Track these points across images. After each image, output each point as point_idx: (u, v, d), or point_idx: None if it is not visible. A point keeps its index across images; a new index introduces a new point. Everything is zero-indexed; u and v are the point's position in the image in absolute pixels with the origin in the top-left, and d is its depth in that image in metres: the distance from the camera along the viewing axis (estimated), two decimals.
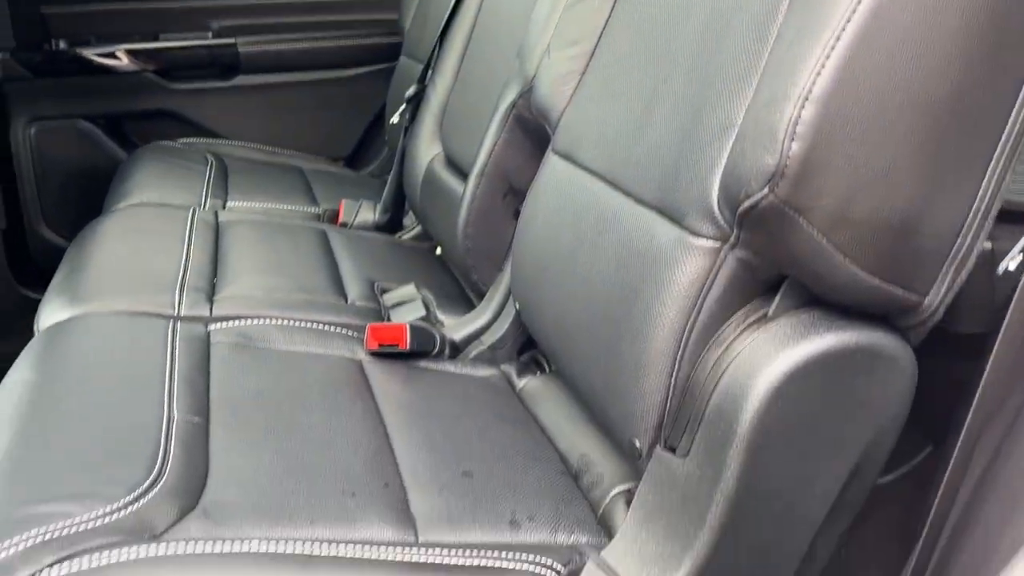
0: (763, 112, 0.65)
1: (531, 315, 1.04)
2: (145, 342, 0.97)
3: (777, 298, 0.71)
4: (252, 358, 0.99)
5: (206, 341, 1.01)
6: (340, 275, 1.31)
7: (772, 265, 0.70)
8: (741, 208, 0.66)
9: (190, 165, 1.78)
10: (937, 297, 0.69)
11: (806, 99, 0.61)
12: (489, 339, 1.15)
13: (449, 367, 1.09)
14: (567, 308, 0.93)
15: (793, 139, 0.61)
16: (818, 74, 0.61)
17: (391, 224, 1.64)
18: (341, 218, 1.61)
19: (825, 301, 0.70)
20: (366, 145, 2.23)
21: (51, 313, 1.07)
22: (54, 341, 0.97)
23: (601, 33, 1.02)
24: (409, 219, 1.66)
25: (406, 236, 1.62)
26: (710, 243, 0.72)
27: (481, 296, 1.24)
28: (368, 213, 1.63)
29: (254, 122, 2.15)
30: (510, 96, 1.19)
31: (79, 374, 0.89)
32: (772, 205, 0.64)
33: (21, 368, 0.92)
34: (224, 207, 1.59)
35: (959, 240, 0.68)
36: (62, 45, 2.04)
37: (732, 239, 0.71)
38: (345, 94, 2.20)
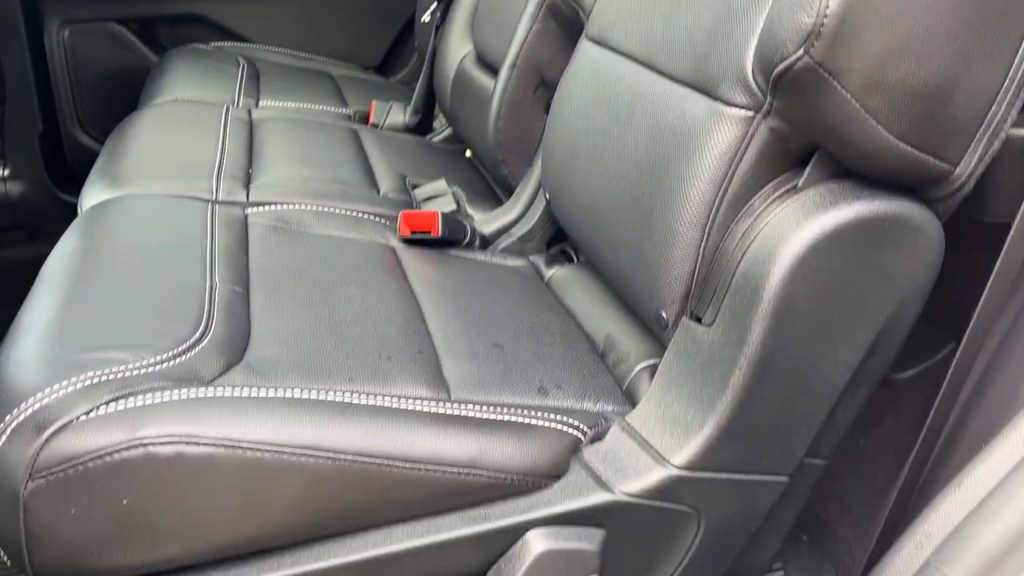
0: None
1: (561, 203, 1.05)
2: (186, 221, 1.00)
3: (808, 169, 0.72)
4: (290, 239, 1.01)
5: (244, 223, 1.03)
6: (372, 169, 1.32)
7: (804, 134, 0.71)
8: (776, 71, 0.67)
9: (222, 67, 1.79)
10: (968, 168, 0.70)
11: None
12: (519, 231, 1.17)
13: (480, 256, 1.11)
14: (598, 189, 0.94)
15: None
16: None
17: (421, 126, 1.65)
18: (372, 119, 1.62)
19: (855, 172, 0.71)
20: (396, 52, 2.22)
21: (93, 195, 1.09)
22: (98, 218, 1.00)
23: None
24: (439, 122, 1.67)
25: (436, 138, 1.63)
26: (743, 112, 0.73)
27: (510, 195, 1.26)
28: (398, 114, 1.63)
29: (284, 28, 2.14)
30: None
31: (124, 245, 0.92)
32: (807, 67, 0.64)
33: (67, 241, 0.95)
34: (257, 105, 1.60)
35: (993, 109, 0.68)
36: None
37: (765, 107, 0.71)
38: (375, 1, 2.18)
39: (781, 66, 0.66)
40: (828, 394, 0.75)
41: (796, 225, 0.69)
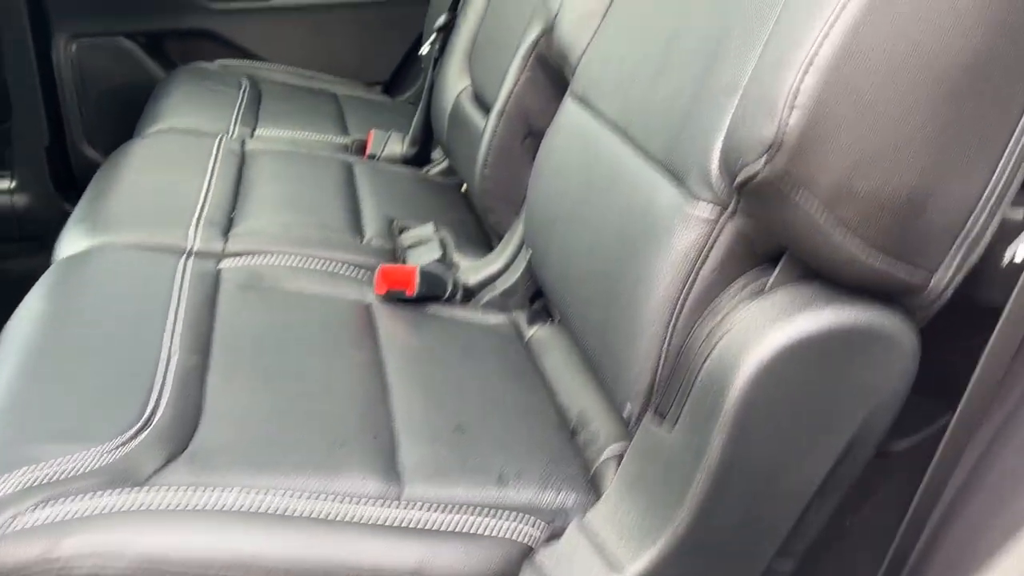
0: (765, 77, 0.61)
1: (539, 262, 1.02)
2: (155, 278, 0.98)
3: (776, 270, 0.68)
4: (260, 298, 0.99)
5: (216, 279, 1.01)
6: (360, 211, 1.30)
7: (771, 238, 0.67)
8: (738, 178, 0.63)
9: (224, 89, 1.77)
10: (946, 277, 0.66)
11: (809, 65, 0.57)
12: (502, 285, 1.13)
13: (459, 313, 1.08)
14: (572, 259, 0.91)
15: (793, 108, 0.57)
16: (824, 37, 0.57)
17: (419, 157, 1.62)
18: (369, 149, 1.60)
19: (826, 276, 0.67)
20: (404, 70, 2.19)
21: (70, 242, 1.08)
22: (67, 273, 0.99)
23: None
24: (438, 153, 1.64)
25: (433, 170, 1.60)
26: (709, 209, 0.69)
27: (500, 239, 1.23)
28: (396, 145, 1.61)
29: (293, 45, 2.12)
30: (533, 33, 1.14)
31: (87, 309, 0.91)
32: (769, 177, 0.60)
33: (34, 298, 0.94)
34: (252, 135, 1.58)
35: (972, 217, 0.64)
36: None
37: (731, 208, 0.67)
38: (384, 17, 2.15)
39: (743, 173, 0.62)
40: (793, 505, 0.71)
41: (762, 330, 0.66)
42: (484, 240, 1.31)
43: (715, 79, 0.72)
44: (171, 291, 0.95)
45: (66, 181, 2.13)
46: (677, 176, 0.74)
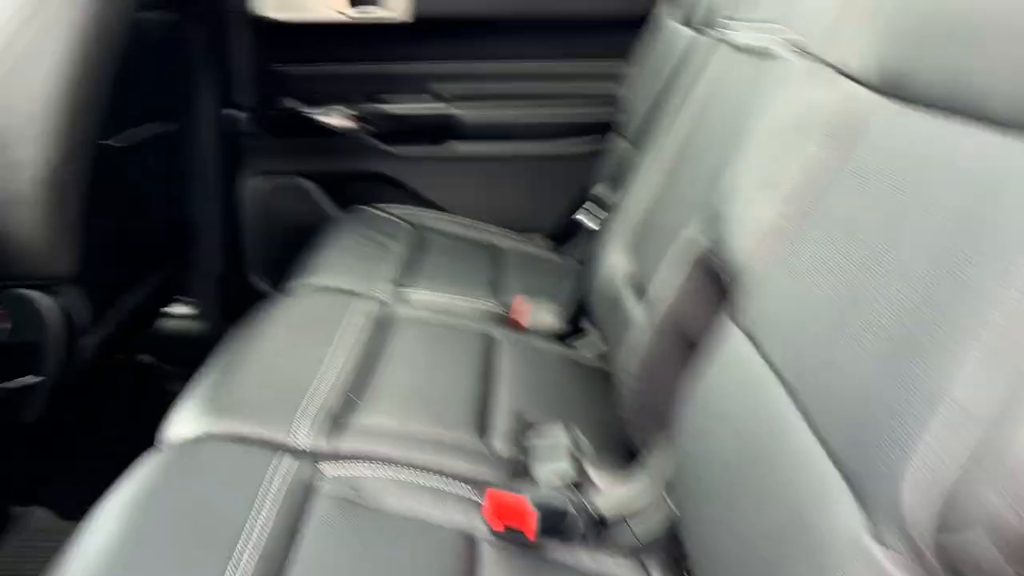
0: (998, 424, 0.42)
1: (681, 511, 0.84)
2: (245, 485, 0.89)
3: None
4: (351, 524, 0.87)
5: (309, 487, 0.90)
6: (490, 402, 1.17)
7: None
8: (939, 542, 0.44)
9: (384, 240, 1.74)
10: None
11: None
12: (638, 525, 0.95)
13: (584, 559, 0.91)
14: (715, 523, 0.72)
15: None
16: None
17: (570, 332, 1.48)
18: (517, 318, 1.48)
19: None
20: (575, 223, 2.10)
21: (178, 424, 1.02)
22: (162, 470, 0.92)
23: (818, 191, 0.79)
24: (593, 332, 1.50)
25: (583, 346, 1.45)
26: (900, 566, 0.49)
27: (642, 447, 1.05)
28: (546, 315, 1.48)
29: (465, 191, 2.09)
30: (696, 229, 0.99)
31: (164, 526, 0.82)
32: (990, 562, 0.41)
33: (125, 493, 0.87)
34: (401, 295, 1.51)
35: None
36: (294, 105, 2.10)
37: (923, 565, 0.48)
38: (560, 168, 2.08)
39: (950, 540, 0.42)
40: None
41: None
42: (626, 448, 1.14)
43: (909, 371, 0.53)
44: (254, 507, 0.85)
45: (236, 311, 2.18)
46: (858, 491, 0.55)
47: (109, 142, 1.52)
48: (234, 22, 1.96)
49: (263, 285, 2.15)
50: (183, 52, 1.79)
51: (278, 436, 0.99)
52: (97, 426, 1.85)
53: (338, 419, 1.05)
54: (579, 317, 1.49)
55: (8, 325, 1.31)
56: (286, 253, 2.09)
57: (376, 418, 1.07)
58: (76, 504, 1.63)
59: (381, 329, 1.32)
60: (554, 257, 1.92)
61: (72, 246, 1.43)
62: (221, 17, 1.94)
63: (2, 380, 1.35)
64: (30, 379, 1.37)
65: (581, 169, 2.05)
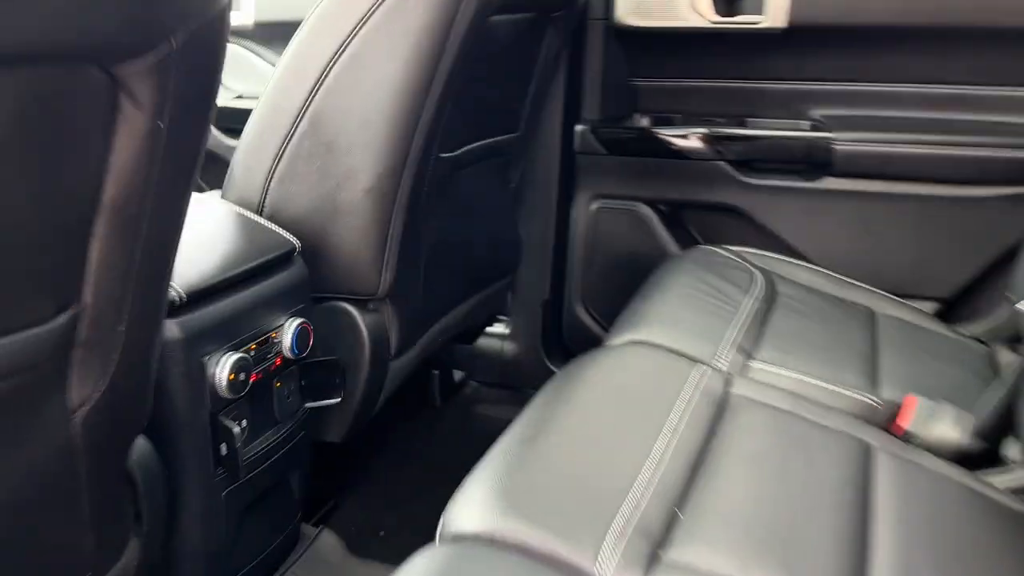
0: None
1: None
2: None
3: None
4: None
5: None
6: (865, 552, 0.84)
7: None
8: None
9: (729, 290, 1.44)
10: None
11: None
12: None
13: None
14: None
15: None
16: None
17: (984, 455, 1.08)
18: (906, 424, 1.11)
19: None
20: (975, 293, 1.64)
21: (462, 510, 0.82)
22: None
23: None
24: (1017, 453, 1.08)
25: (1007, 482, 1.05)
26: None
27: None
28: (949, 427, 1.09)
29: (837, 238, 1.72)
30: None
31: None
32: None
33: None
34: (746, 367, 1.21)
35: None
36: (644, 122, 1.88)
37: None
38: (967, 217, 1.63)
39: None
40: None
41: None
42: None
43: None
44: None
45: (554, 339, 2.02)
46: None
47: (443, 155, 1.40)
48: (592, 30, 1.79)
49: (585, 316, 1.97)
50: (532, 60, 1.63)
51: (578, 561, 0.75)
52: (389, 442, 1.78)
53: (658, 546, 0.79)
54: (1001, 436, 1.08)
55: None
56: (614, 286, 1.89)
57: (705, 555, 0.79)
58: (365, 529, 1.57)
59: (719, 412, 1.04)
60: (953, 335, 1.49)
61: (392, 262, 1.32)
62: (581, 24, 1.77)
63: (311, 399, 1.27)
64: (337, 400, 1.28)
65: (997, 221, 1.59)
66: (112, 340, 0.80)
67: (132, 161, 0.71)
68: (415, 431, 1.86)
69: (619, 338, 1.26)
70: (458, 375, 2.07)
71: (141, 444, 0.96)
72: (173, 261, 0.84)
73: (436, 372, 1.96)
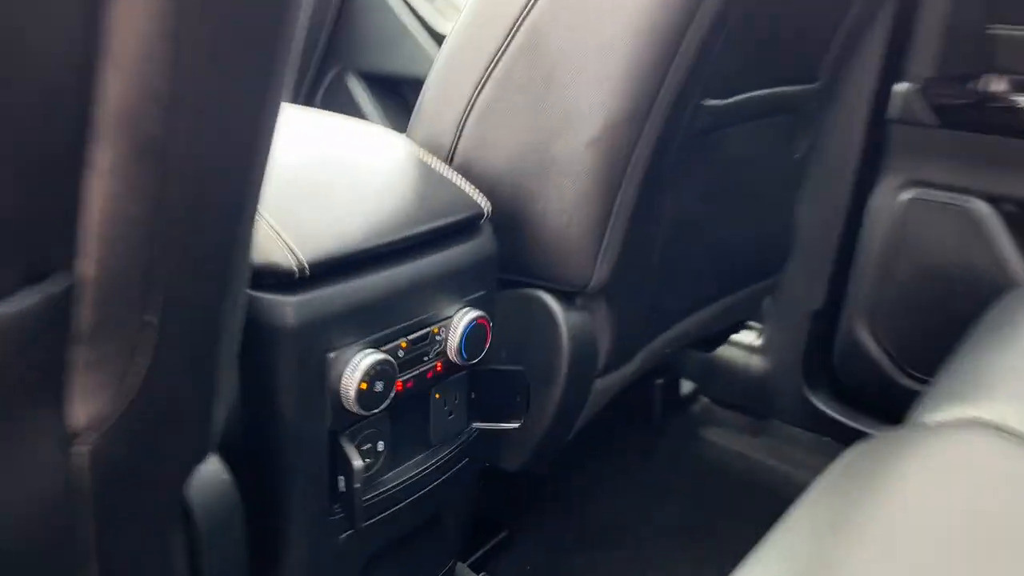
0: None
1: None
2: None
3: None
4: None
5: None
6: None
7: None
8: None
9: None
10: None
11: None
12: None
13: None
14: None
15: None
16: None
17: None
18: None
19: None
20: None
21: None
22: None
23: None
24: None
25: None
26: None
27: None
28: None
29: None
30: None
31: None
32: None
33: None
34: None
35: None
36: (1000, 86, 1.34)
37: None
38: None
39: None
40: None
41: None
42: None
43: None
44: None
45: (819, 362, 1.56)
46: None
47: (708, 101, 0.99)
48: None
49: (869, 341, 1.48)
50: None
51: None
52: (588, 460, 1.43)
53: None
54: None
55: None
56: (919, 310, 1.41)
57: None
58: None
59: None
60: None
61: (614, 244, 0.95)
62: None
63: (481, 419, 0.95)
64: (516, 424, 0.94)
65: None
66: (135, 335, 0.50)
67: (145, 32, 0.42)
68: (624, 451, 1.51)
69: (946, 409, 0.81)
70: (687, 387, 1.67)
71: (211, 470, 0.67)
72: (249, 214, 0.53)
73: (659, 381, 1.58)
